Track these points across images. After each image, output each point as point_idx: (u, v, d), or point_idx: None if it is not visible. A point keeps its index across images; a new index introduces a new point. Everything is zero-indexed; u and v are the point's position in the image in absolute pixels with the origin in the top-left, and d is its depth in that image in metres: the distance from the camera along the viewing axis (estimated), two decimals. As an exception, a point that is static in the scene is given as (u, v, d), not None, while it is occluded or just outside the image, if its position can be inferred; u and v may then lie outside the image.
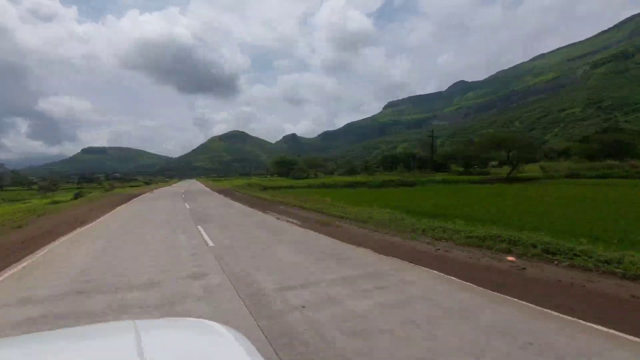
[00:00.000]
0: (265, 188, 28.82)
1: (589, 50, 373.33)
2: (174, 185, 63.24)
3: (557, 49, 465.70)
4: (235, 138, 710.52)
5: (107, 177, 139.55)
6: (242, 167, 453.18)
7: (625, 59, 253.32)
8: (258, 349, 1.01)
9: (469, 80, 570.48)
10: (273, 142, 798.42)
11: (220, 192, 28.19)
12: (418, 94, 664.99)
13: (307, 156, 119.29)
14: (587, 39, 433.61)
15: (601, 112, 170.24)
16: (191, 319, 1.45)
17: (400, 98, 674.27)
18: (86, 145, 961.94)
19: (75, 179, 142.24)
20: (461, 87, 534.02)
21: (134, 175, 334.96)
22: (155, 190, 35.43)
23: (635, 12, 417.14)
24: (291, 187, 31.37)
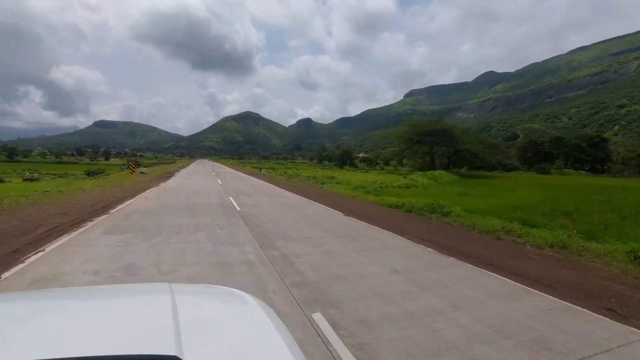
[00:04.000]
0: None
1: (634, 45, 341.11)
2: (184, 170, 36.98)
3: (597, 43, 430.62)
4: (248, 119, 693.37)
5: (107, 152, 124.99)
6: (253, 149, 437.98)
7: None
8: None
9: (499, 71, 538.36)
10: (286, 125, 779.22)
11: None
12: (438, 83, 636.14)
13: (468, 131, 59.94)
14: (630, 34, 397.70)
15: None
16: (221, 286, 1.51)
17: (418, 87, 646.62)
18: (98, 119, 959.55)
19: (74, 153, 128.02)
20: (490, 79, 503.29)
21: (143, 151, 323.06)
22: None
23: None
24: None
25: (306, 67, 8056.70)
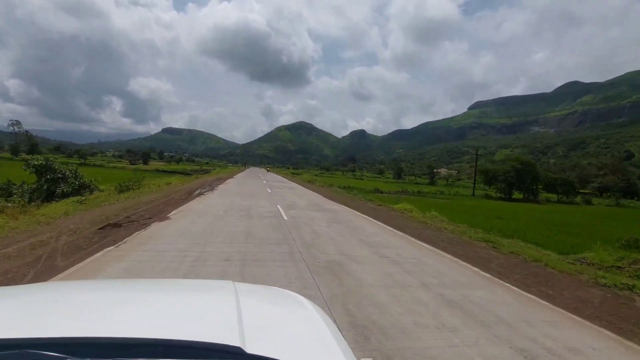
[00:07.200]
0: None
1: None
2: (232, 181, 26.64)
3: None
4: (301, 129, 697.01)
5: (160, 155, 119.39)
6: (305, 159, 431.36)
7: None
8: None
9: (585, 82, 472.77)
10: (338, 136, 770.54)
11: None
12: (505, 95, 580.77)
13: None
14: None
15: None
16: (281, 289, 1.60)
17: (482, 99, 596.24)
18: (166, 126, 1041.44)
19: (123, 155, 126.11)
20: (573, 89, 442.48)
21: (201, 156, 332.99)
22: None
23: None
24: None
25: (360, 78, 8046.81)
